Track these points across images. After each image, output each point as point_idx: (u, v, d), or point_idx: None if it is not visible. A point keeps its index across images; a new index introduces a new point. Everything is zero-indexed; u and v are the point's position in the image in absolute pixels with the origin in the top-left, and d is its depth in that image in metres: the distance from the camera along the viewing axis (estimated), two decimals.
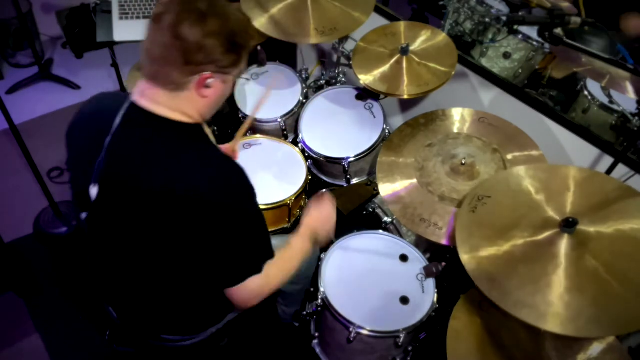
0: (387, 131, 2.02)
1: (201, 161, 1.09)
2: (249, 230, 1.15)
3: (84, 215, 1.19)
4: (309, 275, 1.80)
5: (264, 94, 1.57)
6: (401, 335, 1.48)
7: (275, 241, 1.24)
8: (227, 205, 1.08)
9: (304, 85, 2.22)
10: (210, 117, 1.18)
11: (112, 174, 1.11)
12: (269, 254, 1.21)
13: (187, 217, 1.07)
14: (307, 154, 2.03)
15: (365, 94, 2.12)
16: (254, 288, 1.19)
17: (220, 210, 1.07)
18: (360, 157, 1.97)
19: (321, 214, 1.42)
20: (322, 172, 2.14)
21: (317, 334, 1.75)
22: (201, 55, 1.02)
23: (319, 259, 1.65)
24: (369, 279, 1.61)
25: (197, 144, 1.12)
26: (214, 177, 1.08)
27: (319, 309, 1.62)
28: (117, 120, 1.10)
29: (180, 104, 1.09)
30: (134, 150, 1.09)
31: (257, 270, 1.18)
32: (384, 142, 1.86)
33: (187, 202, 1.06)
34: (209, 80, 1.07)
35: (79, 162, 1.21)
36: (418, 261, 1.66)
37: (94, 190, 1.13)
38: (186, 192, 1.05)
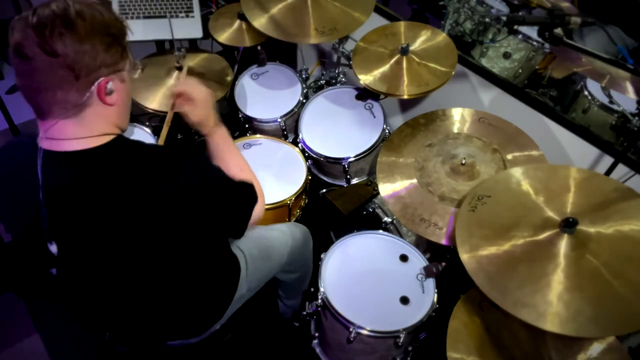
0: (387, 131, 2.02)
1: (145, 167, 1.03)
2: (227, 196, 1.17)
3: (54, 271, 1.18)
4: (304, 263, 1.80)
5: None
6: (401, 335, 1.48)
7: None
8: (193, 191, 1.06)
9: (304, 85, 2.22)
10: (127, 124, 1.11)
11: (64, 226, 1.07)
12: (251, 192, 1.26)
13: (158, 222, 1.04)
14: (307, 154, 2.03)
15: (365, 94, 2.12)
16: (258, 208, 1.28)
17: (189, 198, 1.05)
18: (360, 157, 1.97)
19: (205, 103, 1.35)
20: (322, 172, 2.14)
21: (317, 334, 1.75)
22: (87, 61, 0.94)
23: (319, 259, 1.65)
24: (369, 279, 1.61)
25: (129, 158, 1.04)
26: (168, 173, 1.04)
27: (319, 309, 1.62)
28: (40, 175, 1.02)
29: (90, 127, 1.01)
30: (75, 195, 1.02)
31: (253, 204, 1.25)
32: (384, 142, 1.86)
33: (160, 204, 1.02)
34: (109, 85, 0.99)
35: (19, 225, 1.19)
36: (418, 261, 1.66)
37: (53, 248, 1.10)
38: (147, 200, 1.01)
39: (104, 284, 1.19)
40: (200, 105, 1.34)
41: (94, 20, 0.95)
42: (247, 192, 1.25)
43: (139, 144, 1.08)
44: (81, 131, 1.00)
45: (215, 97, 2.11)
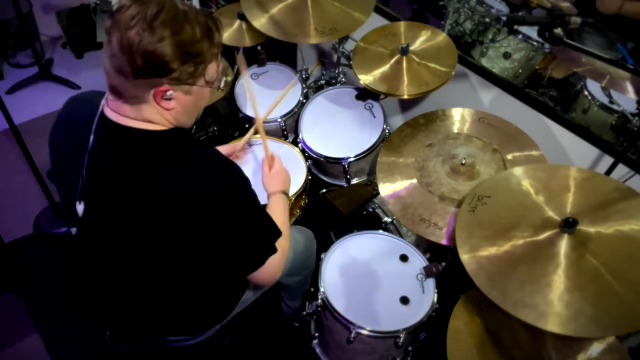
0: (387, 131, 2.02)
1: (187, 165, 1.06)
2: (253, 218, 1.15)
3: (74, 230, 1.18)
4: (307, 266, 1.80)
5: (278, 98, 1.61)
6: (401, 335, 1.48)
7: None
8: (224, 199, 1.07)
9: (304, 85, 2.22)
10: (190, 124, 1.14)
11: (96, 192, 1.10)
12: (278, 232, 1.23)
13: (183, 219, 1.05)
14: (307, 154, 2.03)
15: (365, 94, 2.12)
16: (273, 265, 1.22)
17: (217, 206, 1.06)
18: (360, 157, 1.97)
19: (280, 175, 1.56)
20: (322, 172, 2.14)
21: (317, 334, 1.75)
22: (148, 68, 0.97)
23: (319, 259, 1.65)
24: (369, 279, 1.61)
25: (177, 150, 1.08)
26: (202, 176, 1.06)
27: (319, 309, 1.62)
28: (91, 137, 1.07)
29: (147, 115, 1.05)
30: (113, 166, 1.06)
31: (273, 250, 1.20)
32: (384, 142, 1.86)
33: (181, 205, 1.04)
34: (168, 93, 1.02)
35: (61, 176, 1.21)
36: (418, 261, 1.66)
37: (80, 208, 1.12)
38: (178, 195, 1.03)
39: (113, 260, 1.20)
40: (281, 179, 1.55)
41: (175, 33, 0.96)
42: (270, 231, 1.21)
43: (189, 140, 1.11)
44: (137, 115, 1.05)
45: (216, 97, 2.11)
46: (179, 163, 1.06)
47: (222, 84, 1.16)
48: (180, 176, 1.04)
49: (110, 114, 1.06)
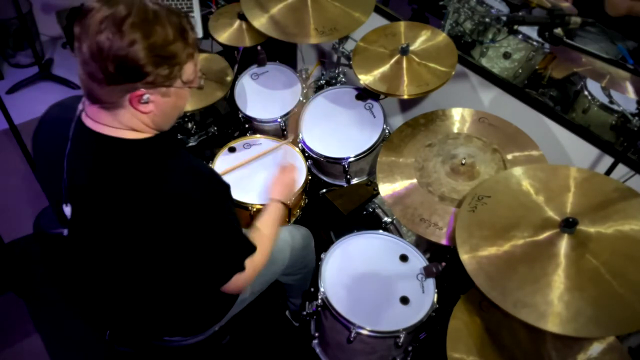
0: (387, 131, 2.02)
1: (164, 172, 1.04)
2: (223, 233, 1.13)
3: (65, 232, 1.18)
4: (305, 265, 1.81)
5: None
6: (401, 335, 1.48)
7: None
8: (198, 209, 1.05)
9: (304, 85, 2.22)
10: (168, 127, 1.11)
11: (77, 195, 1.09)
12: (250, 250, 1.21)
13: (158, 226, 1.04)
14: (307, 154, 2.03)
15: (365, 94, 2.12)
16: (241, 279, 1.21)
17: (191, 214, 1.04)
18: (360, 157, 1.97)
19: (283, 184, 1.55)
20: (322, 172, 2.14)
21: (317, 334, 1.75)
22: (121, 73, 0.93)
23: (319, 259, 1.65)
24: (369, 279, 1.61)
25: (157, 157, 1.06)
26: (179, 184, 1.04)
27: (319, 309, 1.62)
28: (69, 142, 1.06)
29: (124, 121, 1.02)
30: (90, 173, 1.05)
31: (240, 268, 1.18)
32: (384, 142, 1.86)
33: (157, 211, 1.03)
34: (145, 97, 0.99)
35: (45, 180, 1.21)
36: (418, 261, 1.66)
37: (67, 210, 1.11)
38: (154, 201, 1.02)
39: (102, 262, 1.19)
40: (286, 189, 1.54)
41: (146, 36, 0.93)
42: (241, 248, 1.19)
43: (167, 149, 1.08)
44: (114, 122, 1.02)
45: (216, 97, 2.11)
46: (154, 170, 1.04)
47: (202, 82, 1.13)
48: (154, 183, 1.03)
49: (87, 121, 1.04)
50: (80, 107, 1.08)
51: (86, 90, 1.00)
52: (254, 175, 1.91)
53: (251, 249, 1.21)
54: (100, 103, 1.00)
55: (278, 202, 1.46)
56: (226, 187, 1.11)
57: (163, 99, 1.02)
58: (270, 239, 1.35)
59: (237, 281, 1.20)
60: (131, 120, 1.03)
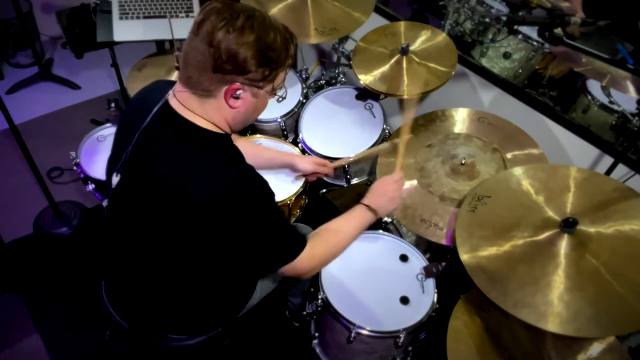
0: (387, 131, 2.02)
1: (220, 167, 1.09)
2: (271, 228, 1.16)
3: (105, 203, 1.23)
4: None
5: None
6: (401, 335, 1.48)
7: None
8: (247, 207, 1.09)
9: (304, 85, 2.22)
10: (241, 128, 1.19)
11: (132, 168, 1.14)
12: (298, 246, 1.22)
13: (196, 219, 1.08)
14: (307, 154, 2.03)
15: (365, 94, 2.12)
16: (297, 267, 1.23)
17: (239, 212, 1.08)
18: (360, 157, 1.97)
19: (387, 193, 1.41)
20: None
21: (317, 334, 1.75)
22: (230, 64, 1.02)
23: None
24: (369, 279, 1.61)
25: (220, 152, 1.12)
26: (229, 182, 1.08)
27: (319, 309, 1.62)
28: (149, 118, 1.12)
29: (209, 112, 1.10)
30: (157, 150, 1.11)
31: (289, 259, 1.21)
32: (384, 142, 1.86)
33: (200, 206, 1.06)
34: (238, 92, 1.06)
35: (115, 148, 1.25)
36: (418, 261, 1.66)
37: (115, 179, 1.17)
38: (199, 196, 1.06)
39: (134, 242, 1.22)
40: (387, 199, 1.40)
41: (260, 38, 1.03)
42: (290, 244, 1.22)
43: (231, 151, 1.15)
44: (200, 110, 1.09)
45: None
46: (217, 165, 1.09)
47: (284, 93, 1.19)
48: (213, 176, 1.07)
49: (174, 104, 1.11)
50: (170, 92, 1.14)
51: (186, 74, 1.07)
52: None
53: (299, 245, 1.22)
54: (196, 89, 1.07)
55: (367, 208, 1.38)
56: (271, 196, 1.16)
57: (252, 98, 1.10)
58: (339, 233, 1.35)
59: (296, 268, 1.23)
60: (216, 113, 1.10)
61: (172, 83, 1.18)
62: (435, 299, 1.55)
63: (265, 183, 1.14)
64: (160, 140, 1.11)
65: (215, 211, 1.07)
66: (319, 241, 1.30)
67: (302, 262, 1.22)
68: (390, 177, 1.45)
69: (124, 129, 1.23)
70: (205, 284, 1.26)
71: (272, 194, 1.15)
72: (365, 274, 1.63)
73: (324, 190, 2.18)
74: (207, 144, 1.11)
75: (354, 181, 2.09)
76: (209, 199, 1.06)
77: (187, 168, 1.08)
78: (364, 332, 1.48)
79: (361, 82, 1.91)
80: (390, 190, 1.41)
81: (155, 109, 1.13)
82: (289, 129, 2.18)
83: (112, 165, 1.20)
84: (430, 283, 1.60)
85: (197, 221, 1.08)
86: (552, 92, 1.96)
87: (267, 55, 1.05)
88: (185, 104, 1.10)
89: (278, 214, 1.18)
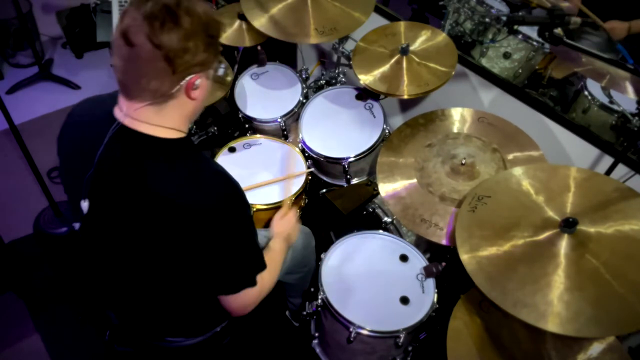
0: (387, 131, 2.02)
1: (192, 176, 1.06)
2: (241, 242, 1.14)
3: (77, 225, 1.20)
4: (306, 264, 1.81)
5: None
6: (401, 335, 1.48)
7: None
8: (218, 217, 1.07)
9: (304, 85, 2.22)
10: (193, 120, 1.16)
11: (101, 191, 1.10)
12: (262, 266, 1.22)
13: (177, 229, 1.06)
14: (307, 154, 2.03)
15: (365, 94, 2.12)
16: (249, 297, 1.21)
17: (211, 222, 1.06)
18: (360, 157, 1.97)
19: (285, 222, 1.54)
20: (322, 172, 2.14)
21: (317, 334, 1.75)
22: (187, 58, 0.98)
23: (319, 259, 1.65)
24: (369, 279, 1.61)
25: (186, 160, 1.09)
26: (204, 190, 1.06)
27: (319, 309, 1.62)
28: (106, 138, 1.07)
29: (168, 117, 1.06)
30: (122, 170, 1.06)
31: (252, 282, 1.20)
32: (384, 142, 1.86)
33: (179, 215, 1.04)
34: (197, 81, 1.03)
35: (69, 173, 1.21)
36: (418, 261, 1.66)
37: (84, 205, 1.13)
38: (178, 206, 1.04)
39: (113, 259, 1.21)
40: (288, 226, 1.53)
41: (199, 20, 0.98)
42: (255, 261, 1.21)
43: (196, 153, 1.11)
44: (157, 119, 1.05)
45: (217, 98, 2.12)
46: (184, 173, 1.07)
47: (221, 71, 1.17)
48: (182, 186, 1.05)
49: (129, 123, 1.06)
50: (116, 107, 1.09)
51: (138, 89, 1.01)
52: (254, 176, 1.91)
53: (263, 264, 1.22)
54: (155, 98, 1.02)
55: (280, 238, 1.46)
56: (245, 199, 1.14)
57: (206, 82, 1.07)
58: (276, 268, 1.35)
59: (244, 297, 1.20)
60: (176, 113, 1.06)
61: (108, 96, 1.13)
62: (435, 299, 1.55)
63: (238, 188, 1.12)
64: (125, 160, 1.06)
65: (192, 219, 1.04)
66: (267, 276, 1.27)
67: (249, 293, 1.20)
68: (278, 215, 1.58)
69: (73, 151, 1.18)
70: (184, 291, 1.25)
71: (244, 202, 1.13)
72: (365, 274, 1.63)
73: (324, 190, 2.18)
74: (173, 154, 1.07)
75: (354, 181, 2.09)
76: (185, 207, 1.04)
77: (160, 182, 1.04)
78: (364, 332, 1.48)
79: (361, 82, 1.91)
80: (285, 226, 1.53)
81: (110, 132, 1.07)
82: (289, 129, 2.18)
83: (74, 190, 1.15)
84: (430, 283, 1.60)
85: (175, 230, 1.06)
86: (552, 92, 1.96)
87: (209, 34, 1.01)
88: (140, 119, 1.04)
89: (248, 230, 1.15)
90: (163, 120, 1.06)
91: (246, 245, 1.16)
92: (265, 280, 1.25)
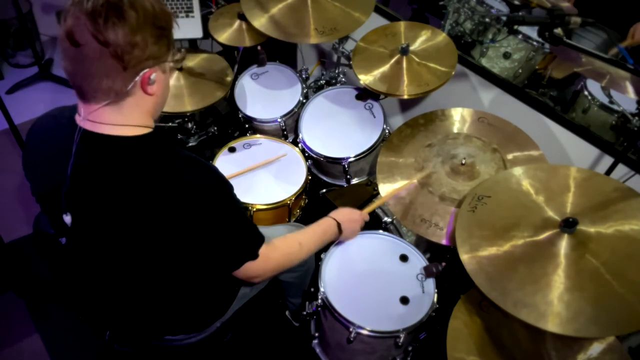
0: (387, 131, 2.02)
1: (167, 167, 1.05)
2: (230, 220, 1.14)
3: (63, 240, 1.19)
4: (305, 262, 1.80)
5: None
6: (401, 335, 1.48)
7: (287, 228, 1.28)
8: (201, 201, 1.06)
9: (304, 85, 2.22)
10: (160, 113, 1.14)
11: (81, 203, 1.09)
12: (258, 238, 1.22)
13: (164, 222, 1.05)
14: (307, 154, 2.03)
15: (365, 94, 2.12)
16: (254, 268, 1.21)
17: (195, 207, 1.05)
18: (360, 157, 1.97)
19: (356, 223, 1.54)
20: (322, 172, 2.14)
21: (317, 334, 1.75)
22: (136, 53, 0.96)
23: (319, 259, 1.65)
24: (369, 279, 1.61)
25: (157, 153, 1.07)
26: (182, 179, 1.05)
27: (319, 309, 1.62)
28: (73, 148, 1.06)
29: (129, 115, 1.04)
30: (97, 177, 1.05)
31: (252, 256, 1.19)
32: (384, 142, 1.86)
33: (163, 207, 1.04)
34: (152, 76, 1.01)
35: (44, 190, 1.20)
36: (418, 261, 1.66)
37: (67, 219, 1.12)
38: (159, 199, 1.03)
39: (106, 265, 1.20)
40: (351, 221, 1.53)
41: (146, 12, 0.96)
42: (251, 236, 1.20)
43: (167, 145, 1.09)
44: (119, 118, 1.03)
45: (217, 98, 2.12)
46: (159, 166, 1.05)
47: (183, 54, 1.15)
48: (161, 179, 1.04)
49: (90, 127, 1.04)
50: (76, 115, 1.07)
51: (91, 90, 0.99)
52: (252, 176, 1.91)
53: (259, 237, 1.22)
54: (109, 97, 1.00)
55: (334, 221, 1.45)
56: (225, 180, 1.13)
57: (163, 75, 1.06)
58: (299, 242, 1.35)
59: (249, 270, 1.20)
60: (135, 111, 1.04)
61: (67, 107, 1.12)
62: (435, 299, 1.55)
63: (217, 172, 1.11)
64: (97, 167, 1.05)
65: (177, 209, 1.04)
66: (279, 247, 1.29)
67: (255, 263, 1.20)
68: (362, 216, 1.56)
69: (41, 170, 1.17)
70: (184, 283, 1.25)
71: (225, 182, 1.12)
72: (365, 273, 1.63)
73: (324, 190, 2.18)
74: (143, 150, 1.06)
75: (354, 181, 2.09)
76: (168, 199, 1.03)
77: (137, 179, 1.03)
78: (364, 332, 1.48)
79: (361, 82, 1.91)
80: (356, 221, 1.53)
81: (75, 140, 1.05)
82: (289, 129, 2.18)
83: (53, 206, 1.14)
84: (430, 283, 1.60)
85: (162, 224, 1.06)
86: (552, 92, 1.96)
87: (159, 25, 0.99)
88: (101, 121, 1.03)
89: (235, 206, 1.15)
90: (124, 119, 1.04)
91: (235, 221, 1.15)
92: (273, 255, 1.25)
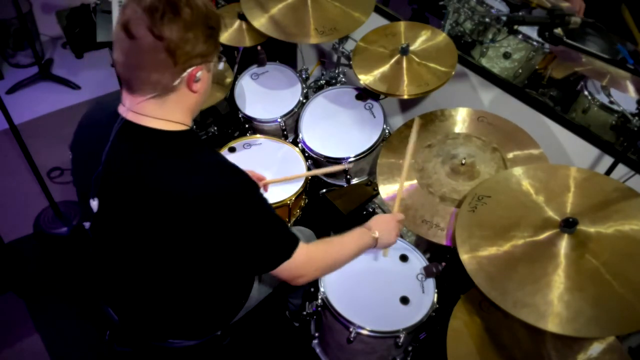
0: (387, 131, 2.02)
1: (200, 166, 1.07)
2: (260, 223, 1.13)
3: (87, 224, 1.20)
4: None
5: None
6: (401, 335, 1.48)
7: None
8: (232, 205, 1.06)
9: (304, 85, 2.22)
10: (198, 113, 1.17)
11: (110, 189, 1.11)
12: (291, 239, 1.20)
13: (191, 223, 1.05)
14: (307, 154, 2.03)
15: (365, 94, 2.12)
16: (292, 270, 1.20)
17: (225, 210, 1.06)
18: (360, 157, 1.97)
19: (389, 224, 1.44)
20: None
21: (317, 334, 1.75)
22: (187, 49, 0.99)
23: None
24: (369, 279, 1.61)
25: (191, 152, 1.09)
26: (214, 181, 1.06)
27: (319, 309, 1.62)
28: (111, 136, 1.08)
29: (170, 111, 1.07)
30: (130, 166, 1.07)
31: (286, 256, 1.18)
32: (384, 143, 1.86)
33: (191, 209, 1.04)
34: (199, 73, 1.04)
35: (79, 173, 1.22)
36: (418, 261, 1.66)
37: (94, 204, 1.13)
38: (189, 199, 1.04)
39: (126, 257, 1.20)
40: (389, 228, 1.42)
41: (199, 11, 0.99)
42: (284, 237, 1.19)
43: (201, 144, 1.12)
44: (161, 112, 1.06)
45: (217, 98, 2.12)
46: (193, 165, 1.07)
47: (221, 66, 1.17)
48: (193, 178, 1.05)
49: (132, 117, 1.07)
50: (120, 106, 1.10)
51: (137, 83, 1.03)
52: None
53: (293, 238, 1.20)
54: (156, 91, 1.03)
55: (370, 232, 1.40)
56: (254, 183, 1.14)
57: (207, 74, 1.08)
58: (343, 248, 1.34)
59: (292, 269, 1.19)
60: (177, 107, 1.07)
61: (113, 97, 1.14)
62: (435, 299, 1.55)
63: (246, 175, 1.11)
64: (132, 156, 1.07)
65: (206, 211, 1.04)
66: (322, 247, 1.29)
67: (299, 263, 1.20)
68: (393, 216, 1.47)
69: (82, 154, 1.19)
70: (200, 288, 1.25)
71: (255, 186, 1.12)
72: (365, 274, 1.63)
73: (324, 190, 2.18)
74: (178, 146, 1.08)
75: (354, 181, 2.09)
76: (197, 200, 1.03)
77: (168, 174, 1.05)
78: (364, 332, 1.48)
79: (361, 82, 1.91)
80: (393, 229, 1.44)
81: (115, 129, 1.08)
82: (289, 129, 2.18)
83: (83, 191, 1.16)
84: (430, 283, 1.60)
85: (189, 224, 1.06)
86: (552, 92, 1.96)
87: (210, 25, 1.02)
88: (144, 113, 1.06)
89: (266, 207, 1.15)
90: (166, 114, 1.06)
91: (266, 224, 1.15)
92: (315, 255, 1.25)
